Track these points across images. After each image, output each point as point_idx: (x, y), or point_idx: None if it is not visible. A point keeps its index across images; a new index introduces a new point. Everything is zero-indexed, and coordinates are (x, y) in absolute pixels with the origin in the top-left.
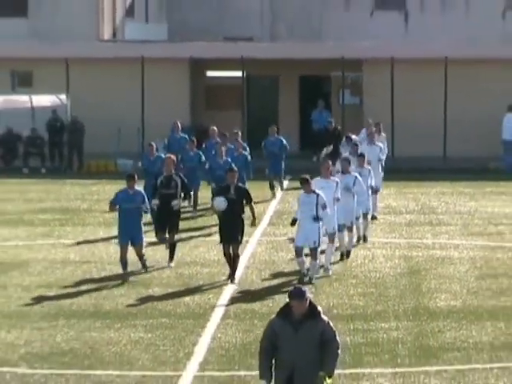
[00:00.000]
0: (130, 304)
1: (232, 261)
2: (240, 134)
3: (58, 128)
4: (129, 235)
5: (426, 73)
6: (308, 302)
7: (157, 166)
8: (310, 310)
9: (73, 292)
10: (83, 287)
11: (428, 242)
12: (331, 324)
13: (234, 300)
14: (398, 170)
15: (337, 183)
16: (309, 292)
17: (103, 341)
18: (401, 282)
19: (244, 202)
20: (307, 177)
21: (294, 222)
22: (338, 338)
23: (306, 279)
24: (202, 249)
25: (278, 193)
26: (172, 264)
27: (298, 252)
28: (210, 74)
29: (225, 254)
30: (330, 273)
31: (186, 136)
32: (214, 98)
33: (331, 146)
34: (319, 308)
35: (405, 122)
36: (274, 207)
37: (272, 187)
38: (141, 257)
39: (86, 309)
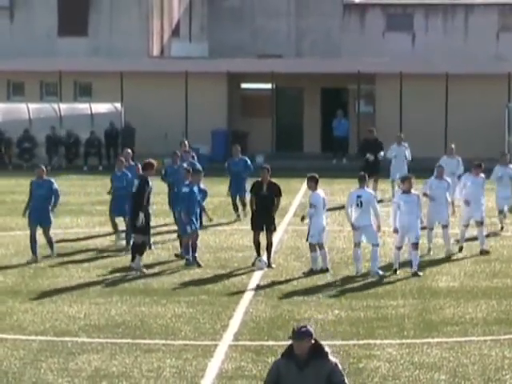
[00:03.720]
0: (174, 283)
1: (266, 247)
2: (187, 143)
3: (114, 135)
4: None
5: (430, 86)
6: (313, 341)
7: (179, 175)
8: (315, 350)
9: (126, 272)
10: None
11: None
12: (340, 366)
13: (263, 280)
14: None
15: (418, 197)
16: (313, 331)
17: (151, 314)
18: (407, 266)
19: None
20: (410, 176)
21: (302, 218)
22: (346, 381)
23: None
24: (236, 236)
25: (242, 213)
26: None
27: (399, 245)
28: (244, 86)
29: (254, 242)
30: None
31: (194, 154)
32: (247, 107)
33: (373, 156)
34: (327, 349)
35: (411, 128)
36: (298, 200)
37: (236, 208)
38: None
39: (137, 287)
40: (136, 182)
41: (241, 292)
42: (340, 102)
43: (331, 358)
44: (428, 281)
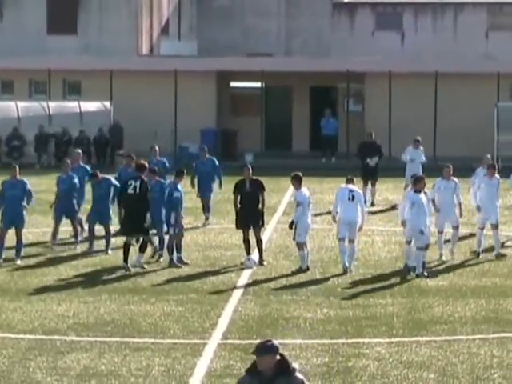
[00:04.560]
0: (163, 281)
1: (257, 245)
2: (157, 149)
3: (103, 142)
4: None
5: (419, 85)
6: (278, 357)
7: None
8: (281, 366)
9: (114, 271)
10: (123, 268)
11: None
12: (306, 383)
13: (252, 278)
14: (394, 168)
15: (456, 184)
16: (278, 346)
17: (140, 313)
18: (396, 265)
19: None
20: (423, 176)
21: (291, 225)
22: None
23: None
24: (225, 235)
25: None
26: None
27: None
28: (233, 84)
29: (244, 240)
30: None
31: (165, 160)
32: (237, 106)
33: (376, 158)
34: (294, 365)
35: (400, 127)
36: (287, 199)
37: (205, 209)
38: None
39: (126, 285)
40: (135, 183)
41: (230, 290)
42: (329, 100)
43: (298, 374)
44: (417, 279)
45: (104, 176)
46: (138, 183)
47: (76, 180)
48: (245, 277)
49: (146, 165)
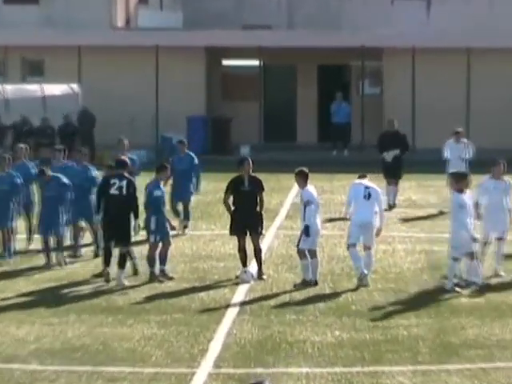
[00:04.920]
0: (143, 299)
1: (255, 255)
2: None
3: (70, 132)
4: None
5: (448, 63)
6: None
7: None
8: None
9: (84, 286)
10: (95, 282)
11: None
12: None
13: (250, 295)
14: (418, 162)
15: (506, 184)
16: None
17: (115, 337)
18: (421, 278)
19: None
20: (466, 173)
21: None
22: None
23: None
24: (217, 242)
25: (181, 224)
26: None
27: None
28: (226, 62)
29: (239, 249)
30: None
31: (135, 156)
32: (230, 88)
33: (395, 151)
34: None
35: (426, 112)
36: (291, 200)
37: (177, 213)
38: None
39: (98, 304)
40: (120, 182)
41: (223, 309)
42: (340, 81)
43: None
44: (446, 295)
45: (55, 174)
46: (123, 182)
47: (18, 180)
48: (240, 293)
49: (127, 160)
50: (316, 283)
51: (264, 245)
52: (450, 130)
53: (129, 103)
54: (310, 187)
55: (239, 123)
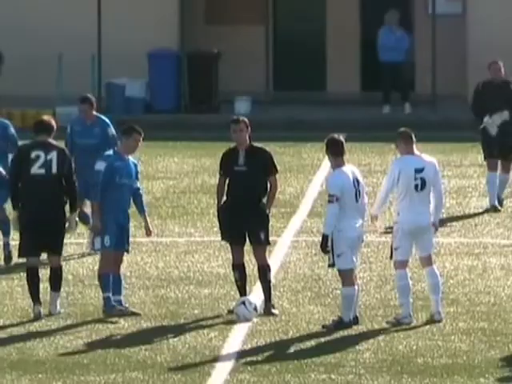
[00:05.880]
0: (78, 349)
1: (259, 277)
2: None
3: None
4: None
5: None
6: None
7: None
8: None
9: None
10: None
11: None
12: None
13: (251, 342)
14: None
15: None
16: None
17: None
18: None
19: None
20: None
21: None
22: None
23: None
24: (197, 255)
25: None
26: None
27: None
28: None
29: (234, 266)
30: None
31: (7, 122)
32: (218, 7)
33: (504, 115)
34: None
35: None
36: (317, 185)
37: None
38: None
39: (7, 357)
40: (46, 156)
41: (207, 365)
42: None
43: None
44: None
45: None
46: (52, 155)
47: None
48: (236, 339)
49: (53, 123)
50: (356, 321)
51: (274, 260)
52: None
53: (56, 34)
54: (349, 168)
55: (233, 62)
